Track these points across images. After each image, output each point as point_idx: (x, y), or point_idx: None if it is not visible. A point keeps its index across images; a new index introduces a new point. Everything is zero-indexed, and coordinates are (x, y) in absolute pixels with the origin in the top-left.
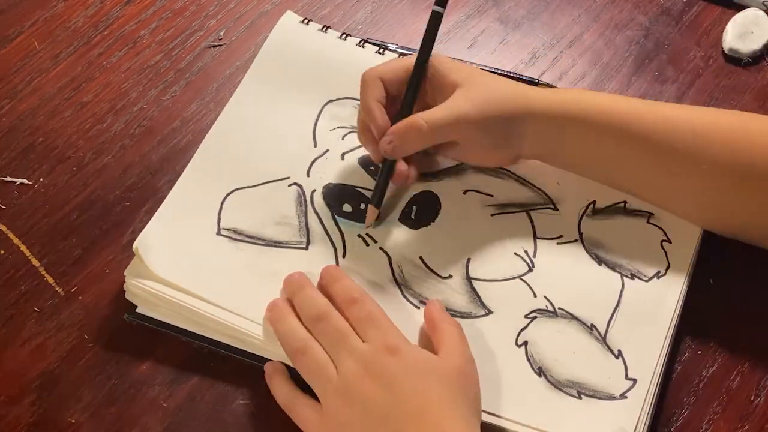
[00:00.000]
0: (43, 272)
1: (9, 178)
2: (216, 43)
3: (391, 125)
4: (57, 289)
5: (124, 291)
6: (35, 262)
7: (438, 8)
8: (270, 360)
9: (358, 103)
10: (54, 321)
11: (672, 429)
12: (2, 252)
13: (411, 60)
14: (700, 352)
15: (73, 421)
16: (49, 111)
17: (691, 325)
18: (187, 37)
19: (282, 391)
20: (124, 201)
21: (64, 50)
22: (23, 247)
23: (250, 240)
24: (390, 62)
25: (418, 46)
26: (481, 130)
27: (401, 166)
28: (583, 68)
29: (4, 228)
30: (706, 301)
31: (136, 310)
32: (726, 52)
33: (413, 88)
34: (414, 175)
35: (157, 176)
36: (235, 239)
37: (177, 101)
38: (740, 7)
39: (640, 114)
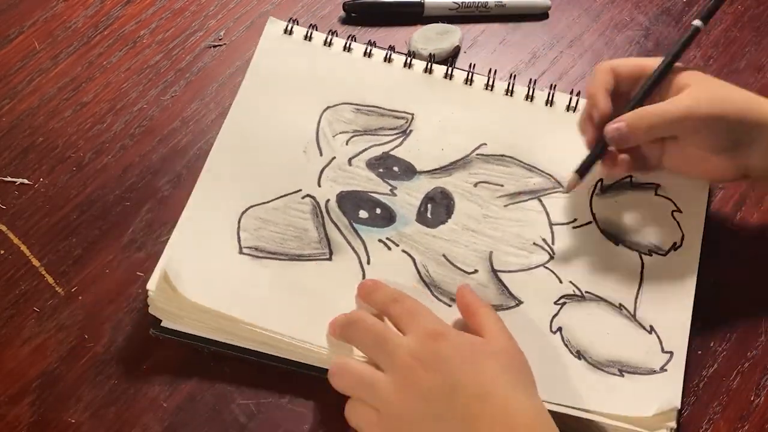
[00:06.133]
0: (43, 272)
1: (9, 178)
2: (216, 43)
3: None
4: (57, 289)
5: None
6: (35, 262)
7: (698, 23)
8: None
9: (356, 107)
10: (54, 321)
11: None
12: (2, 252)
13: (646, 60)
14: (700, 352)
15: (73, 421)
16: (49, 111)
17: (690, 324)
18: (187, 37)
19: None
20: (124, 201)
21: (64, 50)
22: (23, 247)
23: (272, 256)
24: (625, 59)
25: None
26: (707, 127)
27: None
28: (583, 68)
29: (4, 228)
30: (705, 301)
31: (161, 324)
32: None
33: (650, 85)
34: (626, 163)
35: (157, 176)
36: (258, 256)
37: (177, 101)
38: None
39: None
